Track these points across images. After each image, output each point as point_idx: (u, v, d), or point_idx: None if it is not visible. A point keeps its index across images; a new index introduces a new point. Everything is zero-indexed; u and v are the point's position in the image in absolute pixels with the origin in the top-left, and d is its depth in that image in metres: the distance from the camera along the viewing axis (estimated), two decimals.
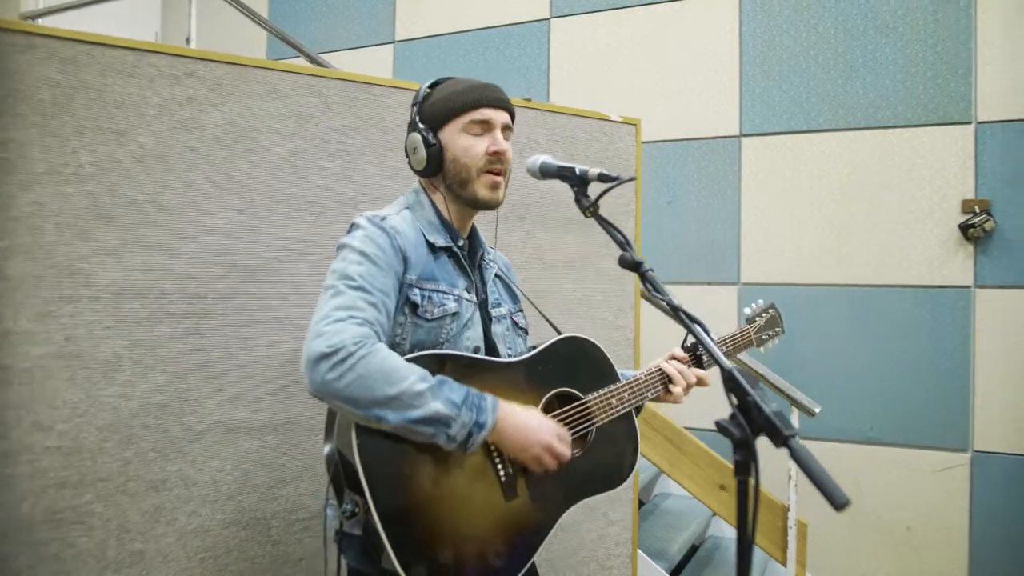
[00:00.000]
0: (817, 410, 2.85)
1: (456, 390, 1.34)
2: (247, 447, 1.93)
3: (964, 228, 3.49)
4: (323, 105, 2.04)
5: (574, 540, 2.51)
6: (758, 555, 3.52)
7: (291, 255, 1.99)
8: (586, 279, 2.54)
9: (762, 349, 1.91)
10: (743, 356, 3.02)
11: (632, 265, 1.28)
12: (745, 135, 3.93)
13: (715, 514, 3.61)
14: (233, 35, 4.92)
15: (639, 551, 2.85)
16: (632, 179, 1.38)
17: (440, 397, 1.31)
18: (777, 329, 1.93)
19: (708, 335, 1.17)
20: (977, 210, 3.48)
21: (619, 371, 1.71)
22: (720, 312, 3.91)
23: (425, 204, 1.59)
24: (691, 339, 1.75)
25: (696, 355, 1.73)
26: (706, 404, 1.86)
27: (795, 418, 2.88)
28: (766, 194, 3.88)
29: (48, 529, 1.69)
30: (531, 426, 1.41)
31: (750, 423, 1.01)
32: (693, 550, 3.74)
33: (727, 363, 1.06)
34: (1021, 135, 3.43)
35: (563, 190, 2.50)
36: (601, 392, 1.60)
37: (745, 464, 1.01)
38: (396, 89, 2.17)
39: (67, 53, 1.74)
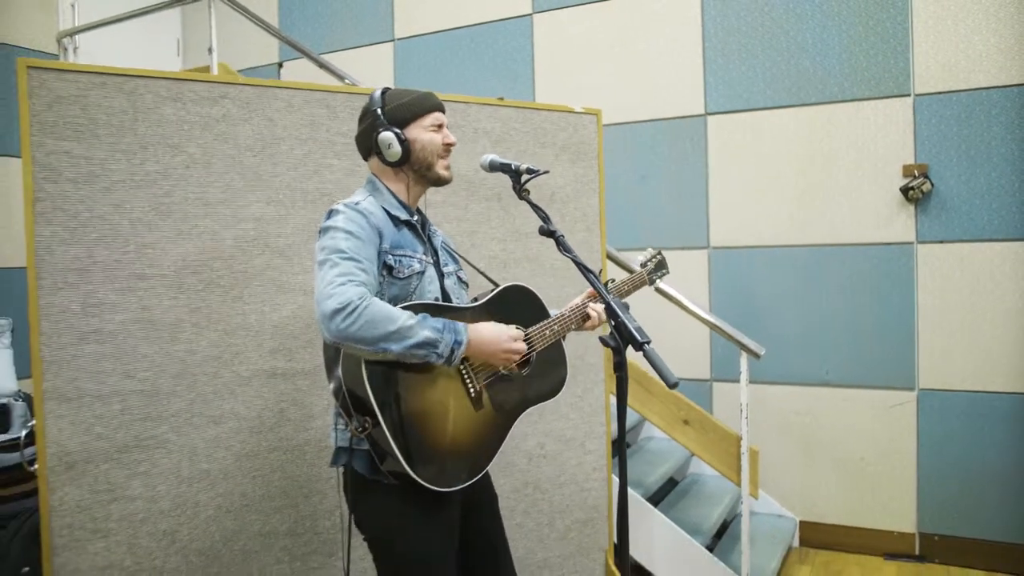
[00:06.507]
0: (762, 352, 3.32)
1: (436, 320, 1.77)
2: (283, 389, 2.45)
3: (904, 190, 3.92)
4: (331, 114, 2.53)
5: (556, 466, 3.02)
6: (729, 487, 4.02)
7: (311, 237, 2.49)
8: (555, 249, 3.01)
9: (652, 287, 2.46)
10: (708, 316, 3.51)
11: (548, 233, 1.77)
12: (710, 114, 4.37)
13: (692, 454, 4.09)
14: (248, 40, 5.40)
15: (614, 477, 3.34)
16: (546, 172, 1.87)
17: (427, 327, 1.74)
18: (664, 271, 2.44)
19: (600, 283, 1.66)
20: (916, 174, 3.91)
21: (549, 310, 2.17)
22: (692, 272, 4.39)
23: (383, 191, 2.00)
24: (613, 280, 2.26)
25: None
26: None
27: (744, 360, 3.34)
28: (730, 166, 4.33)
29: (138, 451, 2.22)
30: (494, 335, 1.85)
31: (621, 337, 1.50)
32: (673, 484, 4.25)
33: (608, 297, 1.55)
34: (953, 105, 3.86)
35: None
36: (538, 326, 2.04)
37: (621, 364, 1.51)
38: None
39: (129, 86, 2.24)
